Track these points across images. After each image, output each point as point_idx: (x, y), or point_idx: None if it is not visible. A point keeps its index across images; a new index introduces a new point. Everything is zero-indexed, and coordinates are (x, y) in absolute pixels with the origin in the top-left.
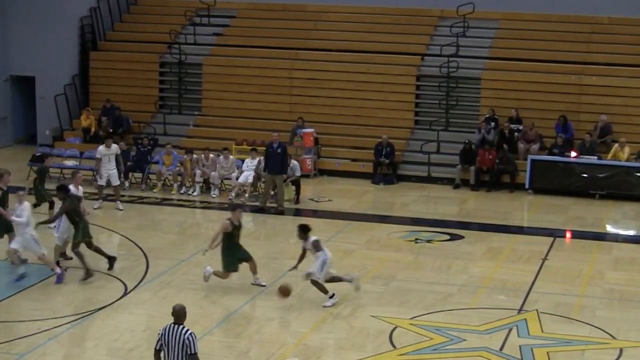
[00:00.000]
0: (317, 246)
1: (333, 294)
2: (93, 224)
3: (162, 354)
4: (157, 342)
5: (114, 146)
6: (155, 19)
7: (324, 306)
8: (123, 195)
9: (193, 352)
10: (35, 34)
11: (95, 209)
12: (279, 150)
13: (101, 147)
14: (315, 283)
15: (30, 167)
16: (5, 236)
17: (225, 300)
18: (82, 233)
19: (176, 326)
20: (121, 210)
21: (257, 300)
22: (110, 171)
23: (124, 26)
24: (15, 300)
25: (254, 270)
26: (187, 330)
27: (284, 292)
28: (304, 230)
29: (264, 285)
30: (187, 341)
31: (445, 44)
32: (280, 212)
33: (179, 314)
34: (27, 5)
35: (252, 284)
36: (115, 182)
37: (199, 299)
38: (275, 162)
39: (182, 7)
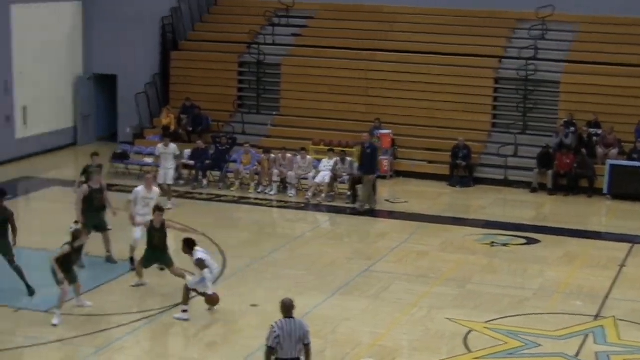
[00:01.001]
0: (200, 265)
1: (187, 310)
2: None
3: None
4: (273, 338)
5: (172, 145)
6: (235, 20)
7: (174, 317)
8: (200, 193)
9: (309, 341)
10: (118, 33)
11: (168, 208)
12: (368, 151)
13: (159, 146)
14: (186, 289)
15: (111, 164)
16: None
17: (301, 300)
18: None
19: (290, 320)
20: (169, 209)
21: (333, 300)
22: (167, 169)
23: (204, 26)
24: (95, 294)
25: (175, 273)
26: (303, 321)
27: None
28: (188, 245)
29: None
30: (306, 332)
31: (523, 47)
32: (359, 212)
33: (290, 308)
34: (109, 5)
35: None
36: (170, 180)
37: (274, 297)
38: (364, 162)
39: (262, 8)
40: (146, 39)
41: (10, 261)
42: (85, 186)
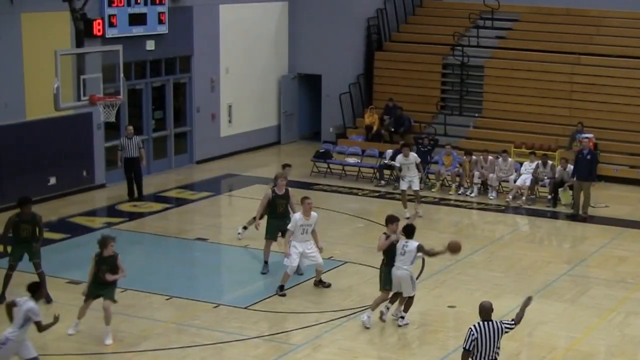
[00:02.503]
0: (423, 251)
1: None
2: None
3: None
4: (470, 341)
5: (412, 155)
6: (439, 21)
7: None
8: (400, 193)
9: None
10: (323, 34)
11: (407, 218)
12: (588, 157)
13: (399, 157)
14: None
15: (313, 163)
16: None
17: (498, 302)
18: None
19: (489, 323)
20: (420, 216)
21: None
22: (409, 177)
23: (409, 27)
24: (293, 292)
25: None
26: (501, 322)
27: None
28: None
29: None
30: (503, 333)
31: None
32: (583, 219)
33: (490, 311)
34: (315, 5)
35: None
36: (416, 187)
37: (472, 299)
38: (583, 168)
39: (466, 10)
40: (351, 40)
41: (37, 266)
42: (269, 191)
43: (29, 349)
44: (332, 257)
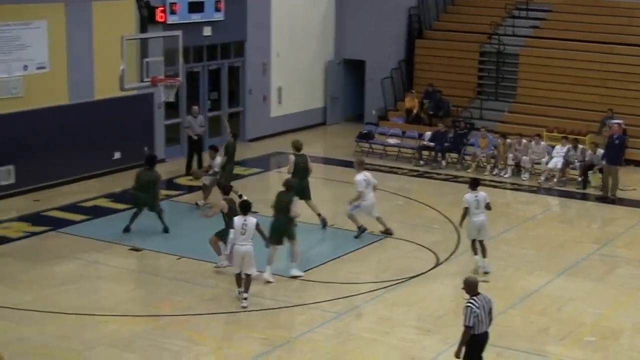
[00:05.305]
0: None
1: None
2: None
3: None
4: (473, 317)
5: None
6: (477, 11)
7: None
8: (439, 173)
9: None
10: (367, 22)
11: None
12: (617, 142)
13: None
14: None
15: (357, 143)
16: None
17: (529, 278)
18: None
19: (480, 296)
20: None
21: (560, 280)
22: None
23: (448, 17)
24: (338, 263)
25: None
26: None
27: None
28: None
29: None
30: (492, 304)
31: None
32: (612, 201)
33: (477, 285)
34: None
35: None
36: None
37: (504, 275)
38: (613, 152)
39: (502, 1)
40: (393, 28)
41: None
42: (292, 156)
43: None
44: (373, 231)
